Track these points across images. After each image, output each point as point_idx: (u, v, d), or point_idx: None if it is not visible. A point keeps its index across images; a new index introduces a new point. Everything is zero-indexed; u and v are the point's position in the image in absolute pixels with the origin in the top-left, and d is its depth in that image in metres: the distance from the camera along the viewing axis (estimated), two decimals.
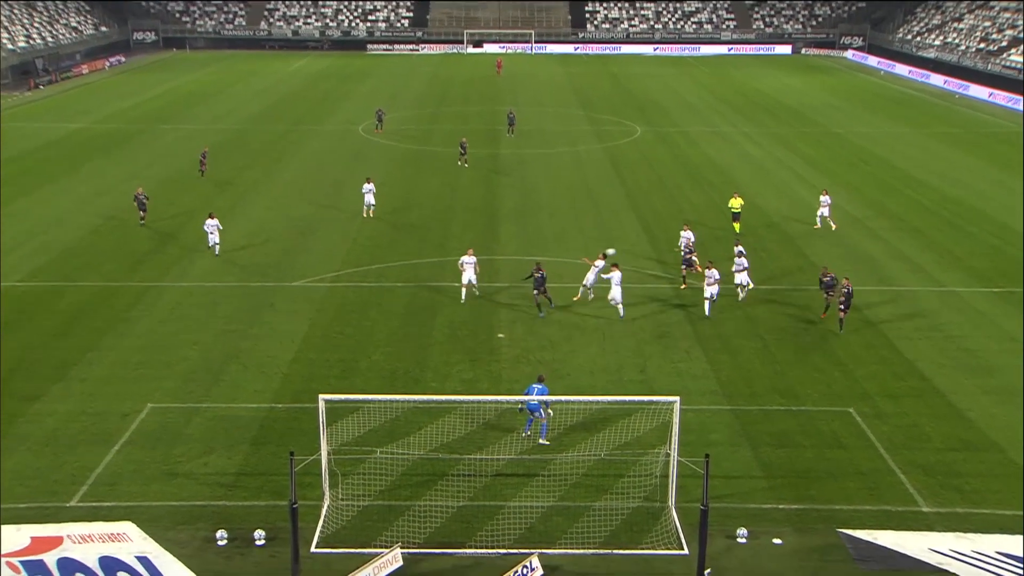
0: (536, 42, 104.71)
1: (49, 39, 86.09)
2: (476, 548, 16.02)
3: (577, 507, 17.08)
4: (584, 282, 26.83)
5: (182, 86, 74.15)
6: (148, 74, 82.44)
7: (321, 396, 16.71)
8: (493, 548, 15.96)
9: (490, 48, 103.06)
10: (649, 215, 37.21)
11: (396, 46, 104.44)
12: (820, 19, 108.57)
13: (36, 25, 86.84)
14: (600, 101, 67.71)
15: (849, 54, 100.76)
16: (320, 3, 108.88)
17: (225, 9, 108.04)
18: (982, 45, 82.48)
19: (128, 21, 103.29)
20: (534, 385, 19.26)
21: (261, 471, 18.39)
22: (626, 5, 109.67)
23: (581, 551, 15.95)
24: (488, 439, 19.44)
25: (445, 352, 23.98)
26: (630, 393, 21.14)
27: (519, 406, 19.73)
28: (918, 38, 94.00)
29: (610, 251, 27.37)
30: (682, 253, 29.32)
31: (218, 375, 22.59)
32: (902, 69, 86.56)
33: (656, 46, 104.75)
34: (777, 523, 16.87)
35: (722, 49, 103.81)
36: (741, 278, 26.95)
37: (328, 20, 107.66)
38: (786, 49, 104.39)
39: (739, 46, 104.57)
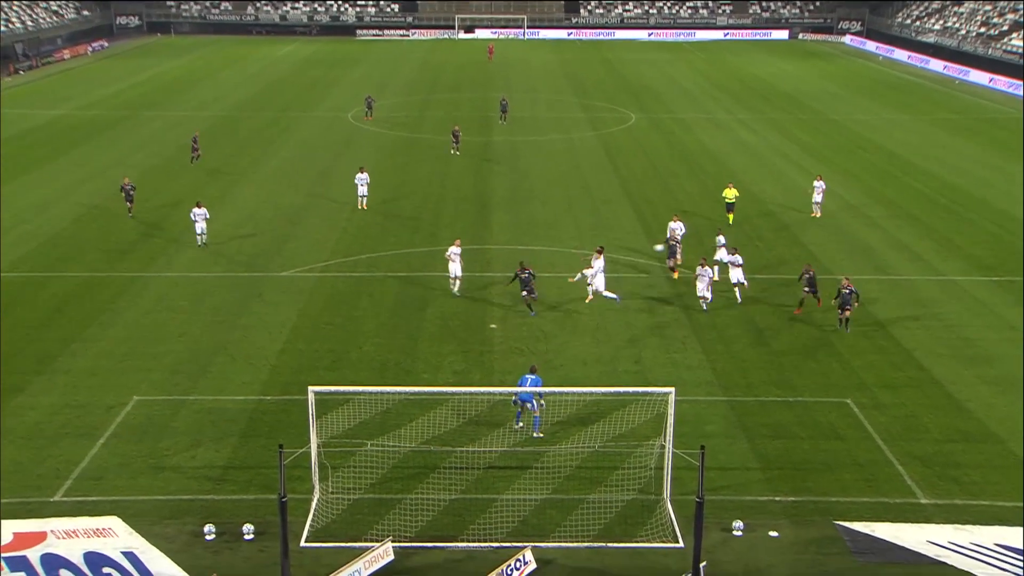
0: (529, 27, 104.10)
1: (29, 23, 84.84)
2: (468, 541, 15.87)
3: (571, 500, 16.92)
4: (587, 281, 25.62)
5: (167, 72, 73.39)
6: (132, 59, 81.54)
7: (311, 388, 16.58)
8: (486, 541, 15.83)
9: (482, 33, 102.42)
10: (643, 204, 36.91)
11: (386, 31, 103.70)
12: (817, 3, 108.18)
13: (15, 8, 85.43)
14: (594, 87, 67.30)
15: (847, 39, 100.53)
16: None
17: None
18: (982, 30, 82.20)
19: (111, 5, 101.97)
20: (527, 376, 19.05)
21: (250, 464, 18.16)
22: None
23: (575, 544, 15.82)
24: (480, 431, 19.23)
25: (437, 343, 23.71)
26: (624, 384, 20.94)
27: (512, 398, 19.46)
28: (917, 23, 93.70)
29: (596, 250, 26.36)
30: (668, 244, 28.42)
31: (205, 367, 22.29)
32: (901, 54, 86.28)
33: (651, 31, 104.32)
34: (773, 515, 16.73)
35: (718, 34, 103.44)
36: (736, 276, 26.13)
37: (316, 5, 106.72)
38: (783, 34, 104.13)
39: (735, 31, 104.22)
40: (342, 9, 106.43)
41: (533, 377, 18.89)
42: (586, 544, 15.82)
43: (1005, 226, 34.43)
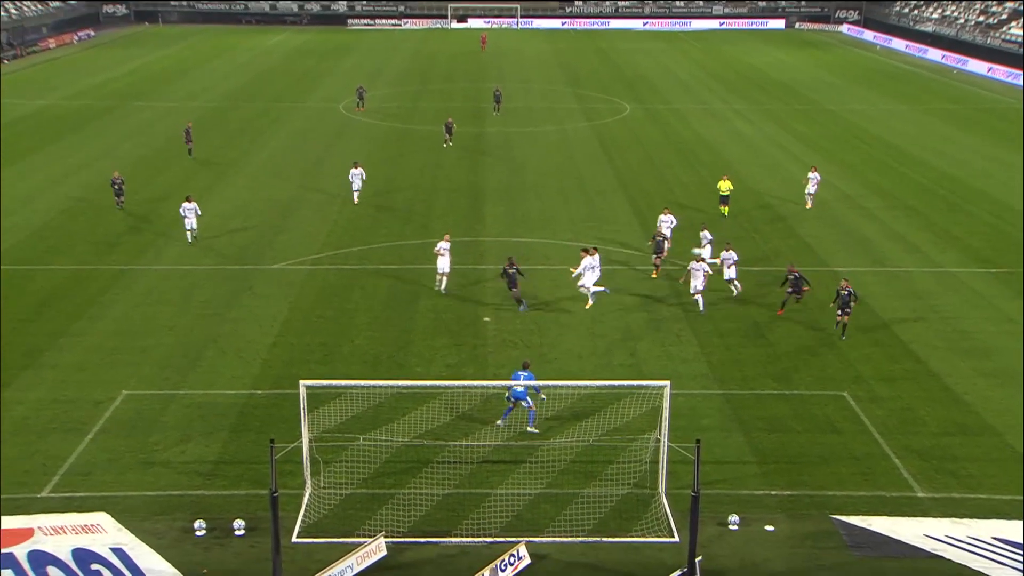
0: (522, 17, 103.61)
1: (13, 12, 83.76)
2: (462, 537, 15.73)
3: (565, 494, 16.78)
4: (582, 283, 24.93)
5: (155, 62, 72.78)
6: (119, 49, 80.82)
7: (302, 382, 16.36)
8: (479, 536, 15.69)
9: (475, 23, 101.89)
10: (638, 196, 36.70)
11: (378, 21, 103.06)
12: None
13: None
14: (588, 78, 66.99)
15: (844, 28, 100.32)
16: None
17: None
18: (981, 18, 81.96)
19: None
20: (519, 372, 18.88)
21: (240, 459, 17.98)
22: None
23: (569, 539, 15.70)
24: (474, 425, 19.07)
25: (429, 336, 23.51)
26: (619, 377, 20.80)
27: (506, 394, 19.27)
28: (915, 11, 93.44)
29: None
30: (655, 239, 27.48)
31: (195, 361, 22.05)
32: (899, 43, 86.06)
33: (646, 20, 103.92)
34: (769, 509, 16.62)
35: (714, 23, 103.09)
36: (731, 273, 25.74)
37: None
38: (780, 23, 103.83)
39: (731, 20, 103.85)
40: None
41: (526, 373, 18.72)
42: (581, 539, 15.70)
43: (1003, 217, 34.33)
